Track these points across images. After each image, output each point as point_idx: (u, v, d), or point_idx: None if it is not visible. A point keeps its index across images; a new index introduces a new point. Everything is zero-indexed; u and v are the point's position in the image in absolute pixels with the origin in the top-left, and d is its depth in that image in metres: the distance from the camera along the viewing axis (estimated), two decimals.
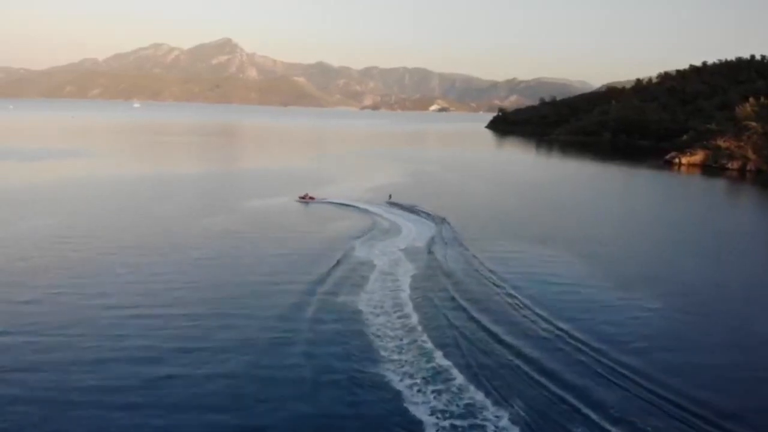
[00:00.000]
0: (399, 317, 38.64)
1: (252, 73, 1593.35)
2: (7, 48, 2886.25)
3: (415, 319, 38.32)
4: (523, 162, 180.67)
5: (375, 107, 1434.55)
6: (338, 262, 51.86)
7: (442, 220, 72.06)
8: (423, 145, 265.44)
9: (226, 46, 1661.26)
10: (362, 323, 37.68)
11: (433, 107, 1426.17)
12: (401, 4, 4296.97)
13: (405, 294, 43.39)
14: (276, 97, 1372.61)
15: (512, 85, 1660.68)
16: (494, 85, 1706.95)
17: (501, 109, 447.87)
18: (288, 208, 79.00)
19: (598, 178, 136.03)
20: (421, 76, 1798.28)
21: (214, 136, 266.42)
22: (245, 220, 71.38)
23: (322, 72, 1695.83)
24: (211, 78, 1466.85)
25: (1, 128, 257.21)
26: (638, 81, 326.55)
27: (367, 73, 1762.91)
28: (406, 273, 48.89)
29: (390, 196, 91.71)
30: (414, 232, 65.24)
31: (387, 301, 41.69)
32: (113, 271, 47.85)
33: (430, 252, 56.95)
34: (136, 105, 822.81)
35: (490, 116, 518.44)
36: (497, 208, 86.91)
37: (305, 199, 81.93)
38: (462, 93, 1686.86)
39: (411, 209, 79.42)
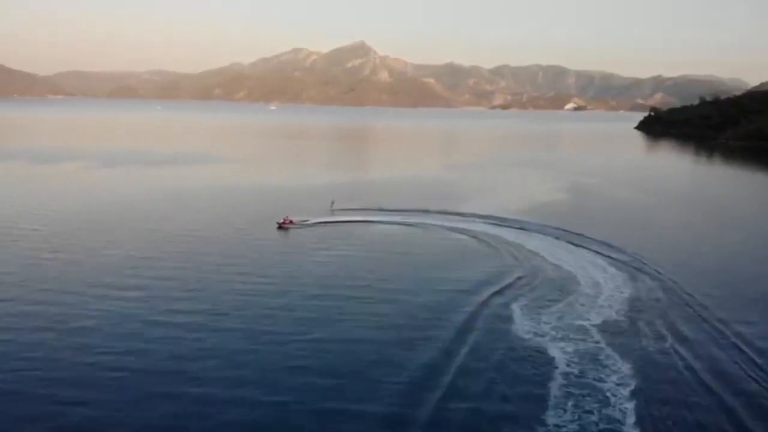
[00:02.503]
0: None
1: (384, 75, 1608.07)
2: (163, 52, 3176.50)
3: None
4: (703, 174, 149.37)
5: (505, 106, 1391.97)
6: (477, 346, 33.93)
7: (640, 264, 51.46)
8: (567, 149, 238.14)
9: (361, 49, 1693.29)
10: None
11: (569, 106, 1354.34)
12: (533, 1, 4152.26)
13: None
14: (406, 98, 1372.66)
15: (657, 83, 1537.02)
16: (636, 83, 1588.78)
17: (653, 109, 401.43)
18: (413, 233, 62.59)
19: None
20: (556, 73, 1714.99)
21: (345, 139, 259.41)
22: (353, 249, 56.14)
23: (451, 72, 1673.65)
24: (346, 81, 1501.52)
25: (142, 129, 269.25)
26: None
27: (498, 71, 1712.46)
28: (623, 387, 29.04)
29: (333, 203, 75.48)
30: (603, 286, 45.16)
31: None
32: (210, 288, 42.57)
33: (647, 332, 36.36)
34: (273, 108, 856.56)
35: (632, 115, 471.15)
36: (711, 244, 63.41)
37: (285, 225, 64.75)
38: (601, 90, 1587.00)
39: (577, 242, 59.42)
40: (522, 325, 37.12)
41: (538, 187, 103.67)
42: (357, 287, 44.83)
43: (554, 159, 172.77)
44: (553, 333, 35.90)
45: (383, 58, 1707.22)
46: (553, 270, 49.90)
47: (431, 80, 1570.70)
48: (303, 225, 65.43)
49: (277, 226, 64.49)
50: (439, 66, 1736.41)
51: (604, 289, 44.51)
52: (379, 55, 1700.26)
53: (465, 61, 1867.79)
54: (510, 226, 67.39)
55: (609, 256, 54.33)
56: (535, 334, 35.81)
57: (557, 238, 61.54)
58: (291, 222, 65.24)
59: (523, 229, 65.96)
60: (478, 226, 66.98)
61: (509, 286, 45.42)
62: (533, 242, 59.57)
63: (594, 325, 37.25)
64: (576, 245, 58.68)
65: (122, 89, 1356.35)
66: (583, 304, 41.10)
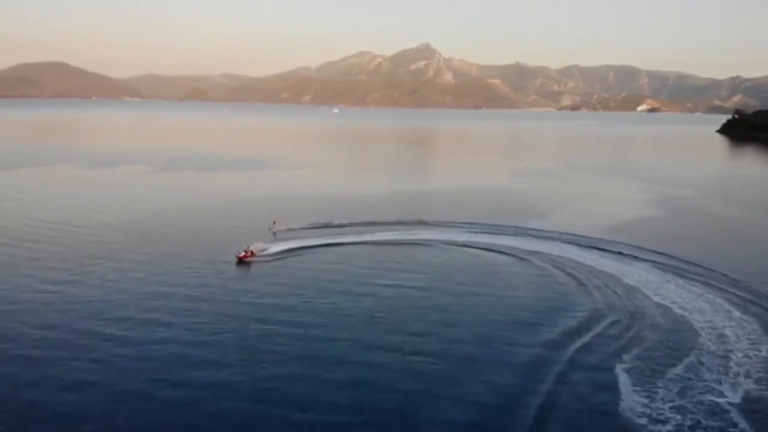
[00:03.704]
0: None
1: (447, 76, 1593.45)
2: (232, 56, 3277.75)
3: None
4: None
5: (574, 108, 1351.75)
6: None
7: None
8: (647, 154, 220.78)
9: (425, 51, 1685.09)
10: None
11: (642, 107, 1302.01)
12: (605, 1, 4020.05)
13: None
14: (469, 99, 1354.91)
15: (736, 84, 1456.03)
16: (714, 83, 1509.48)
17: (737, 111, 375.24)
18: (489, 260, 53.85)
19: None
20: (628, 73, 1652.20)
21: (399, 142, 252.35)
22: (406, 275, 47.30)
23: (517, 73, 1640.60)
24: (409, 83, 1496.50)
25: (203, 132, 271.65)
26: None
27: (567, 72, 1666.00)
28: None
29: (274, 224, 65.44)
30: (731, 340, 35.45)
31: None
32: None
33: None
34: (335, 111, 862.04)
35: (710, 117, 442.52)
36: None
37: (246, 257, 54.81)
38: (675, 92, 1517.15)
39: (686, 273, 49.38)
40: (631, 402, 27.99)
41: (625, 200, 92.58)
42: (392, 331, 37.61)
43: (636, 166, 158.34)
44: (677, 417, 26.63)
45: (448, 59, 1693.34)
46: (660, 314, 40.33)
47: (497, 81, 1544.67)
48: (262, 257, 55.77)
49: (236, 260, 54.59)
50: (505, 66, 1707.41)
51: (734, 345, 34.90)
52: (444, 57, 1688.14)
53: (532, 62, 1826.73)
54: (595, 247, 57.68)
55: (732, 294, 44.16)
56: (651, 417, 26.63)
57: (659, 267, 51.35)
58: (252, 254, 55.83)
59: (610, 252, 56.15)
60: (547, 246, 57.73)
61: (603, 335, 36.40)
62: (628, 272, 49.75)
63: (733, 405, 27.90)
64: (685, 277, 48.56)
65: (194, 92, 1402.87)
66: (710, 369, 31.72)
